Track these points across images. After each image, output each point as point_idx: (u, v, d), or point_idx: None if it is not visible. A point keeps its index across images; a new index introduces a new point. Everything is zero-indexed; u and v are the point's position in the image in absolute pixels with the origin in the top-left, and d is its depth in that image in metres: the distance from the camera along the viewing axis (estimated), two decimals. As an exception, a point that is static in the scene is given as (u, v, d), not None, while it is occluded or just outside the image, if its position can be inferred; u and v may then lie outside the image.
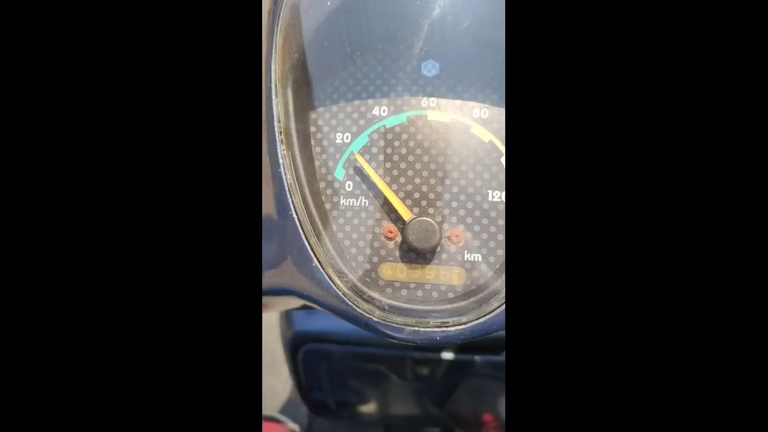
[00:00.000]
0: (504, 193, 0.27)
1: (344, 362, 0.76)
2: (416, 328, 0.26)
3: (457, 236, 0.27)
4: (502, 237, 0.27)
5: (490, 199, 0.27)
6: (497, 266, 0.27)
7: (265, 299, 0.30)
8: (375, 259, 0.28)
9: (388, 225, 0.28)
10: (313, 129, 0.29)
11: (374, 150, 0.28)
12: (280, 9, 0.29)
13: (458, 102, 0.28)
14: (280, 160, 0.28)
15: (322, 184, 0.29)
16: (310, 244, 0.27)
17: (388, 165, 0.28)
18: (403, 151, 0.28)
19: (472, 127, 0.28)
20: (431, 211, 0.28)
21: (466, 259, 0.27)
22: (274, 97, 0.28)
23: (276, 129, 0.28)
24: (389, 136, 0.28)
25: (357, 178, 0.28)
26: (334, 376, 0.79)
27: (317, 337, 0.74)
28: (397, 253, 0.28)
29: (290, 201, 0.27)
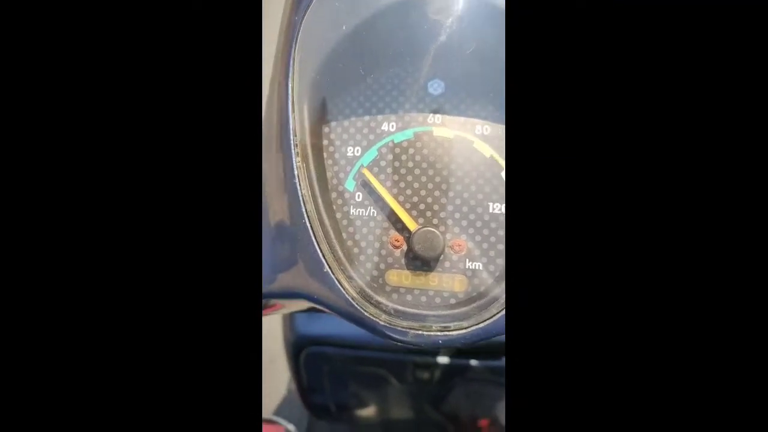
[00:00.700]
0: (503, 206, 0.29)
1: (345, 365, 0.77)
2: (420, 332, 0.28)
3: (460, 245, 0.29)
4: (502, 246, 0.29)
5: (490, 210, 0.29)
6: (497, 274, 0.29)
7: (277, 301, 0.32)
8: (382, 266, 0.30)
9: (395, 234, 0.30)
10: (325, 142, 0.31)
11: (383, 163, 0.30)
12: (298, 32, 0.31)
13: (462, 119, 0.30)
14: (295, 172, 0.30)
15: (333, 195, 0.30)
16: (321, 251, 0.29)
17: (396, 177, 0.30)
18: (410, 164, 0.30)
19: (474, 143, 0.30)
20: (435, 221, 0.29)
21: (467, 267, 0.29)
22: (290, 113, 0.30)
23: (292, 143, 0.30)
24: (397, 150, 0.30)
25: (366, 190, 0.30)
26: (335, 379, 0.80)
27: (320, 340, 0.75)
28: (403, 261, 0.29)
29: (304, 210, 0.29)
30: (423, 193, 0.30)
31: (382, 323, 0.28)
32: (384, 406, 0.83)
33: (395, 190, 0.30)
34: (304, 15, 0.31)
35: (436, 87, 0.30)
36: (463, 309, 0.28)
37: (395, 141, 0.30)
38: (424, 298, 0.29)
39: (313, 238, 0.29)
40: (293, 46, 0.31)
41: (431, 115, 0.30)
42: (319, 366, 0.77)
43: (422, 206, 0.29)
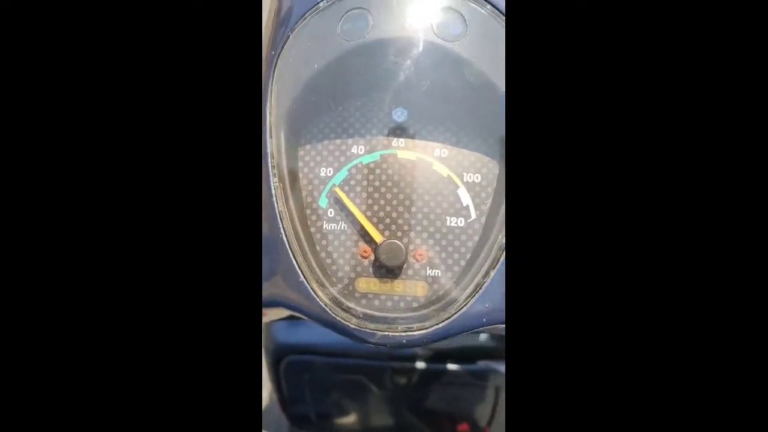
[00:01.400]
0: (459, 219, 0.33)
1: (325, 374, 0.77)
2: (386, 333, 0.31)
3: (421, 255, 0.33)
4: (458, 255, 0.32)
5: (448, 224, 0.33)
6: (453, 280, 0.32)
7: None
8: (352, 275, 0.33)
9: (364, 246, 0.33)
10: (300, 164, 0.34)
11: (353, 182, 0.34)
12: (275, 65, 0.34)
13: (422, 142, 0.34)
14: (273, 191, 0.33)
15: (308, 211, 0.34)
16: (297, 262, 0.32)
17: (364, 195, 0.33)
18: (377, 183, 0.33)
19: (433, 164, 0.33)
20: (399, 234, 0.33)
21: (428, 274, 0.32)
22: (268, 137, 0.34)
23: (270, 164, 0.33)
24: (365, 170, 0.34)
25: (338, 206, 0.34)
26: (315, 387, 0.81)
27: (299, 349, 0.76)
28: (371, 270, 0.33)
29: (281, 225, 0.32)
30: (388, 208, 0.33)
31: (353, 326, 0.32)
32: (363, 413, 0.84)
33: (364, 207, 0.33)
34: (280, 51, 0.34)
35: (399, 114, 0.34)
36: (425, 311, 0.32)
37: (363, 162, 0.34)
38: (390, 303, 0.32)
39: (290, 251, 0.32)
40: (270, 77, 0.34)
41: (395, 139, 0.34)
42: (298, 375, 0.78)
43: (388, 220, 0.33)
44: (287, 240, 0.32)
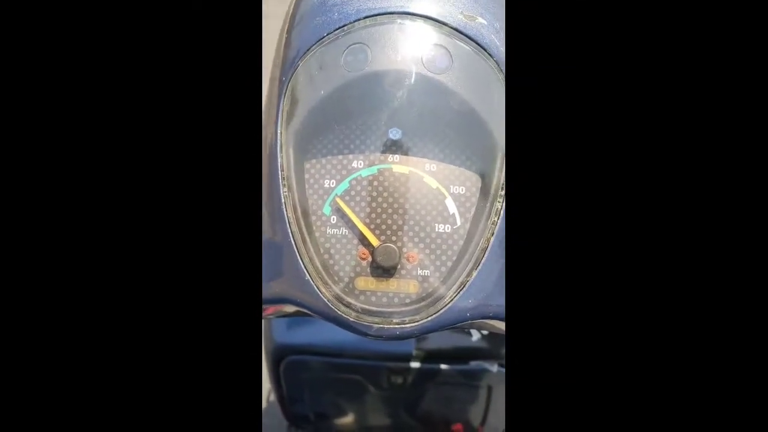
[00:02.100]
0: (447, 226, 0.37)
1: (323, 373, 0.80)
2: (382, 326, 0.36)
3: (413, 257, 0.37)
4: (445, 257, 0.37)
5: (436, 230, 0.37)
6: (441, 279, 0.37)
7: (269, 306, 0.39)
8: (352, 274, 0.37)
9: (362, 249, 0.37)
10: (307, 176, 0.39)
11: (353, 193, 0.38)
12: (285, 89, 0.39)
13: (415, 158, 0.38)
14: (282, 199, 0.37)
15: (313, 218, 0.38)
16: (303, 263, 0.37)
17: (363, 204, 0.38)
18: (374, 194, 0.38)
19: (424, 177, 0.38)
20: (393, 238, 0.37)
21: (419, 273, 0.37)
22: (279, 152, 0.38)
23: (279, 176, 0.38)
24: (364, 182, 0.38)
25: (339, 214, 0.38)
26: (313, 387, 0.82)
27: (298, 349, 0.79)
28: (369, 270, 0.37)
29: (289, 230, 0.37)
30: (384, 216, 0.38)
31: (353, 320, 0.36)
32: (360, 412, 0.86)
33: (362, 214, 0.38)
34: (290, 77, 0.39)
35: (395, 133, 0.39)
36: (416, 306, 0.36)
37: (362, 175, 0.38)
38: (385, 299, 0.37)
39: (297, 253, 0.37)
40: (281, 99, 0.39)
41: (391, 155, 0.38)
42: (297, 375, 0.81)
43: (384, 226, 0.37)
44: (295, 243, 0.37)
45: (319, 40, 0.39)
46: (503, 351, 0.78)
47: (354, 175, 0.38)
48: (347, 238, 0.38)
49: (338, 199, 0.38)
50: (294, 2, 0.43)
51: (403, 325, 0.36)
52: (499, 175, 0.37)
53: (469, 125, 0.38)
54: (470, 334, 0.80)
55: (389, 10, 0.39)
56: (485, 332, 0.79)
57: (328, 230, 0.38)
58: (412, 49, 0.38)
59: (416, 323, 0.36)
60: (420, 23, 0.39)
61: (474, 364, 0.79)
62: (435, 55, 0.38)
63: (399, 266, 0.37)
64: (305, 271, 0.36)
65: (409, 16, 0.39)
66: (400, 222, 0.37)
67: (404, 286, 0.37)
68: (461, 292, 0.36)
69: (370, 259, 0.37)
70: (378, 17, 0.39)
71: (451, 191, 0.37)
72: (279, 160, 0.38)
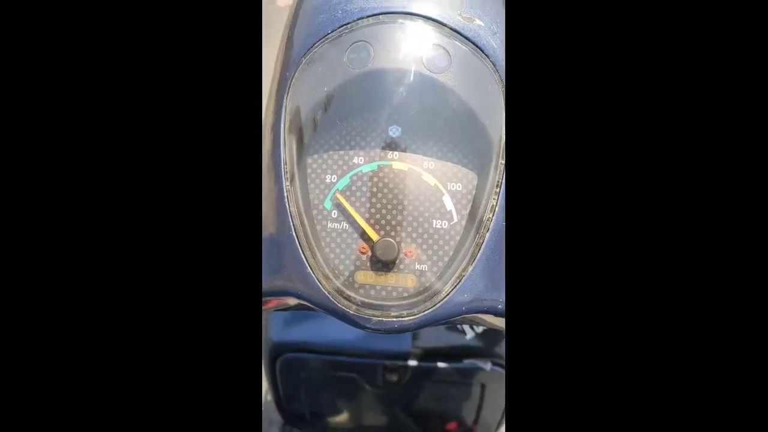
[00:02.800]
0: (444, 222, 0.38)
1: (319, 371, 0.80)
2: (380, 319, 0.37)
3: (411, 252, 0.38)
4: (442, 253, 0.38)
5: (434, 226, 0.38)
6: (438, 273, 0.38)
7: (271, 298, 0.40)
8: (352, 268, 0.38)
9: (362, 243, 0.38)
10: (309, 171, 0.40)
11: (353, 188, 0.39)
12: (289, 85, 0.40)
13: (413, 155, 0.39)
14: (285, 194, 0.38)
15: (314, 212, 0.39)
16: (305, 256, 0.37)
17: (363, 200, 0.39)
18: (374, 190, 0.39)
19: (422, 174, 0.39)
20: (393, 233, 0.38)
21: (416, 268, 0.38)
22: (282, 148, 0.39)
23: (282, 170, 0.39)
24: (364, 178, 0.39)
25: (340, 209, 0.39)
26: (309, 385, 0.83)
27: (295, 347, 0.79)
28: (368, 264, 0.38)
29: (291, 224, 0.38)
30: (384, 211, 0.38)
31: (352, 312, 0.37)
32: (356, 411, 0.87)
33: (363, 210, 0.39)
34: (294, 74, 0.40)
35: (394, 131, 0.40)
36: (413, 300, 0.37)
37: (363, 171, 0.39)
38: (384, 293, 0.38)
39: (299, 247, 0.37)
40: (285, 96, 0.40)
41: (391, 152, 0.39)
42: (294, 373, 0.81)
43: (383, 222, 0.38)
44: (297, 237, 0.37)
45: (323, 37, 0.40)
46: (497, 349, 0.79)
47: (354, 171, 0.39)
48: (347, 233, 0.39)
49: (339, 195, 0.39)
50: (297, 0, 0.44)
51: (401, 319, 0.37)
52: (494, 173, 0.38)
53: (466, 124, 0.39)
54: (464, 332, 0.81)
55: (391, 10, 0.40)
56: (479, 330, 0.80)
57: (329, 225, 0.39)
58: (413, 49, 0.39)
59: (414, 317, 0.37)
60: (420, 23, 0.40)
61: (467, 362, 0.80)
62: (435, 55, 0.39)
63: (398, 261, 0.38)
64: (306, 265, 0.37)
65: (410, 16, 0.40)
66: (399, 217, 0.38)
67: (402, 280, 0.38)
68: (457, 287, 0.37)
69: (369, 253, 0.38)
70: (380, 16, 0.40)
71: (449, 188, 0.38)
72: (282, 154, 0.39)
